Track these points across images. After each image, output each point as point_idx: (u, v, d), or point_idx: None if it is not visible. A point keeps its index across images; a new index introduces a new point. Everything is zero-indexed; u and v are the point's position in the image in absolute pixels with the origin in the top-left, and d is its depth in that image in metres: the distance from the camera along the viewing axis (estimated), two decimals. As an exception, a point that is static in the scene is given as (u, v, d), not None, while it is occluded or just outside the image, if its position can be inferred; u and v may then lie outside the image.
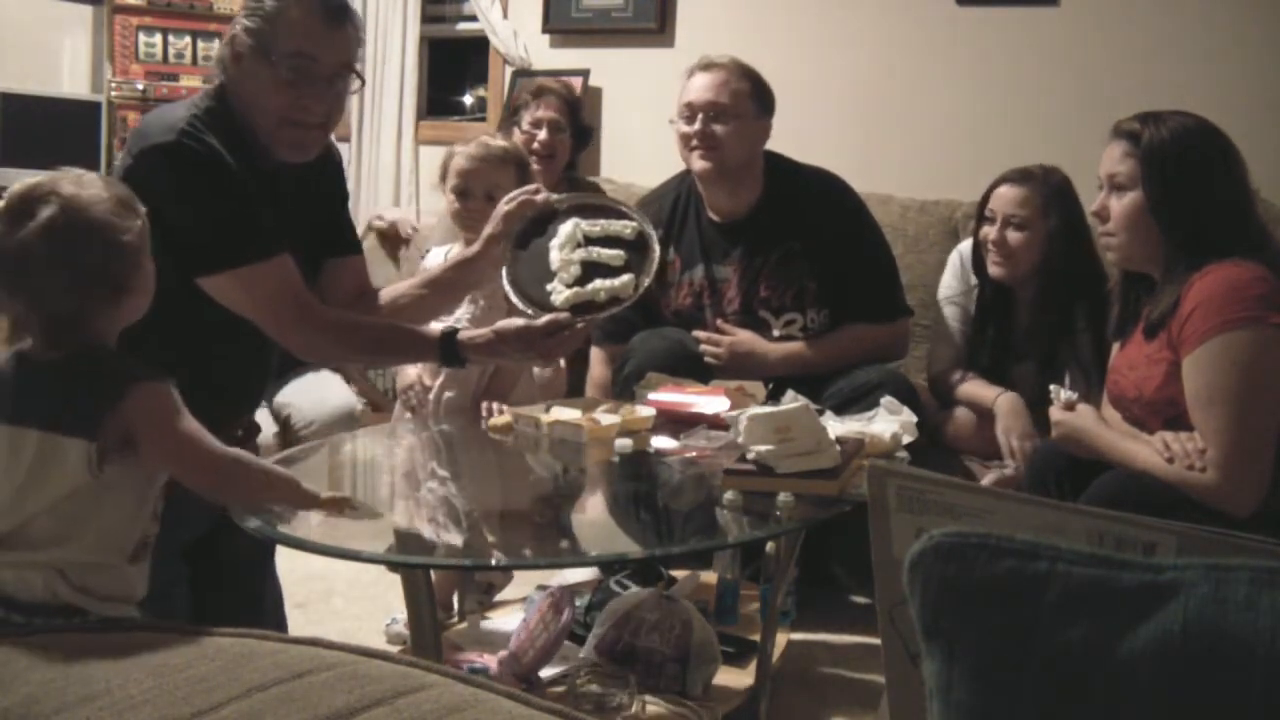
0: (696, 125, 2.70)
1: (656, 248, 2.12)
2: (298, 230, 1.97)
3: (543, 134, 3.24)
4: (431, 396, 2.55)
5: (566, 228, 2.10)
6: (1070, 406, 2.12)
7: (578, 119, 3.38)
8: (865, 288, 2.77)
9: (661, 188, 2.96)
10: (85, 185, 1.38)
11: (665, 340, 2.68)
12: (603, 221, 2.12)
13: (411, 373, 2.61)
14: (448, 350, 1.96)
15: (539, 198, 2.14)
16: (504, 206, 2.13)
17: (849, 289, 2.75)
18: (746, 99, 2.73)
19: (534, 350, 1.99)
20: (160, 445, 1.37)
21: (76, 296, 1.36)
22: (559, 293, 2.03)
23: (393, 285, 2.23)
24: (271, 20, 1.87)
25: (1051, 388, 2.18)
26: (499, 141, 2.60)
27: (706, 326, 2.75)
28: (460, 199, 2.50)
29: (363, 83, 2.01)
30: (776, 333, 2.74)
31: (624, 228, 2.12)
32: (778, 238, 2.75)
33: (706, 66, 2.76)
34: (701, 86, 2.73)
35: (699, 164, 2.72)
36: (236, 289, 1.84)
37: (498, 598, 2.58)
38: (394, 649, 1.95)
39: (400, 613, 1.98)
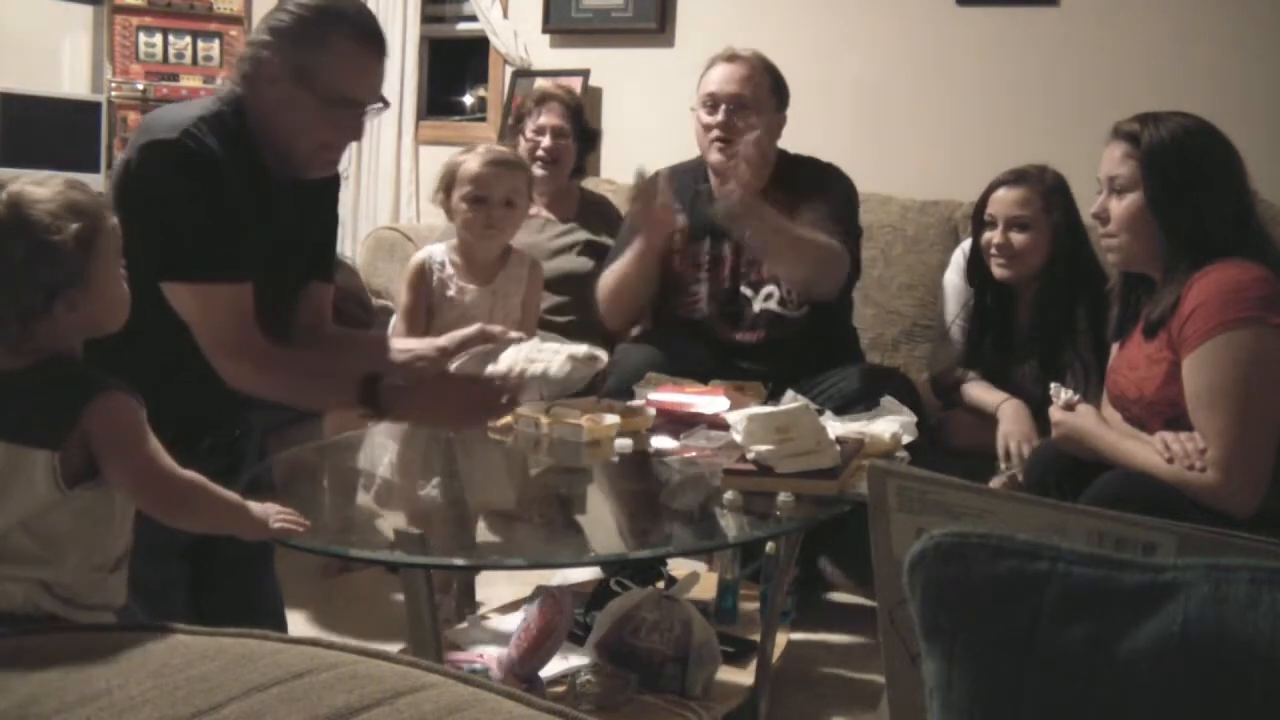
0: (719, 116, 2.71)
1: (604, 362, 2.20)
2: (289, 248, 1.95)
3: (546, 140, 3.24)
4: None
5: (526, 345, 2.16)
6: (1070, 406, 2.12)
7: (581, 124, 3.37)
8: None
9: (694, 160, 2.94)
10: (42, 185, 1.33)
11: (647, 357, 2.67)
12: (558, 345, 2.18)
13: None
14: (368, 395, 1.87)
15: (497, 331, 2.19)
16: (464, 333, 2.16)
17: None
18: (768, 93, 2.75)
19: (474, 404, 1.97)
20: (120, 461, 1.32)
21: (8, 297, 1.31)
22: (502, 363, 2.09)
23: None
24: (316, 51, 1.85)
25: (1052, 387, 2.18)
26: (504, 148, 2.61)
27: (702, 296, 2.80)
28: (475, 205, 2.46)
29: (386, 105, 2.01)
30: (757, 307, 2.77)
31: (577, 348, 2.17)
32: None
33: (731, 58, 2.76)
34: (725, 78, 2.73)
35: (715, 156, 2.73)
36: (193, 301, 1.80)
37: (493, 597, 2.58)
38: (395, 649, 1.95)
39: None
